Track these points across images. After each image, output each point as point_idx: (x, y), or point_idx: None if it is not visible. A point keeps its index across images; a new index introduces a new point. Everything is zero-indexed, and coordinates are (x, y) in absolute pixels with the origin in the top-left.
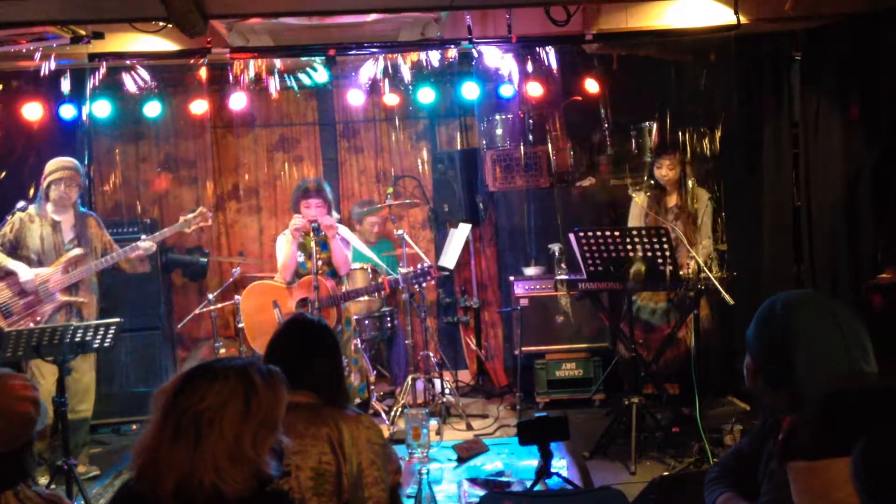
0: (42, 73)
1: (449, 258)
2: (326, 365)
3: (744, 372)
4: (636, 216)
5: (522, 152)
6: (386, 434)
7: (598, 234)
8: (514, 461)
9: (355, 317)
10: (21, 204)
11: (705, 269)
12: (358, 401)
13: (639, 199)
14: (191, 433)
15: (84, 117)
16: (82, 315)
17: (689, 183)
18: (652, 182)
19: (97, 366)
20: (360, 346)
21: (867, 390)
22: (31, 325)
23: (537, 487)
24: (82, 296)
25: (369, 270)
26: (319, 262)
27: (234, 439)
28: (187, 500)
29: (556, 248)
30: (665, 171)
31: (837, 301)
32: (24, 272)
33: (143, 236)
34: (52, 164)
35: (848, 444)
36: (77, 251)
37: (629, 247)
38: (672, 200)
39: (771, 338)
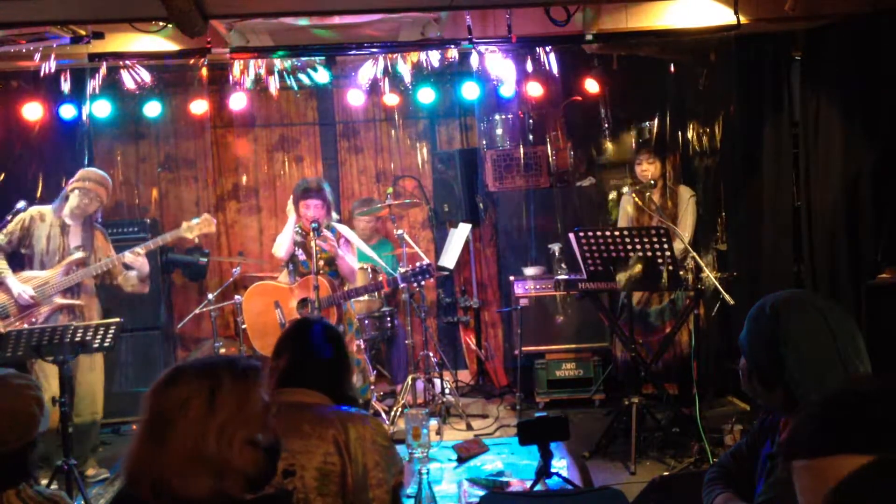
0: (42, 73)
1: (449, 258)
2: (331, 365)
3: (739, 373)
4: (623, 217)
5: (522, 152)
6: None
7: (598, 234)
8: (514, 461)
9: (357, 317)
10: (21, 204)
11: (706, 269)
12: (362, 401)
13: (636, 199)
14: (157, 434)
15: (84, 117)
16: (83, 317)
17: (668, 183)
18: (652, 182)
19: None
20: (362, 346)
21: (868, 389)
22: (26, 325)
23: (537, 487)
24: (82, 299)
25: (369, 270)
26: (321, 263)
27: (195, 439)
28: (166, 501)
29: (556, 248)
30: (645, 165)
31: (827, 300)
32: (15, 287)
33: (139, 248)
34: (83, 172)
35: (849, 441)
36: (80, 254)
37: (629, 247)
38: (656, 201)
39: (762, 338)
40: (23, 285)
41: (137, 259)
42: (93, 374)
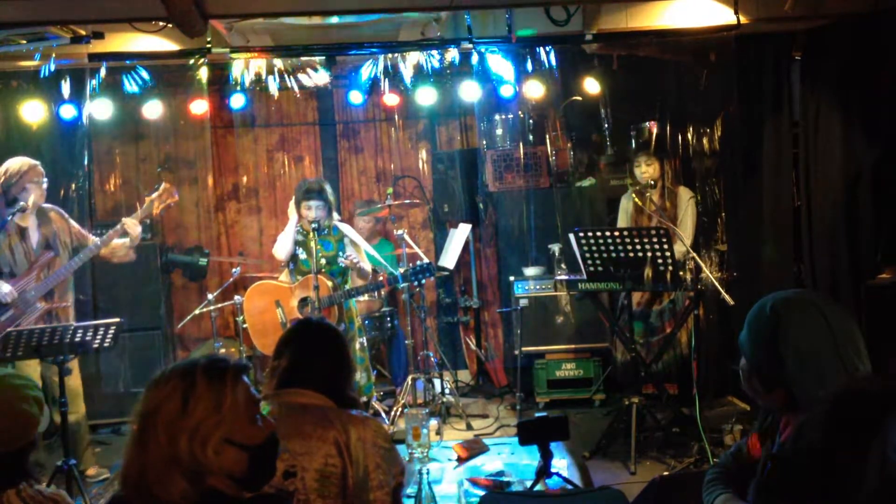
0: (42, 74)
1: (449, 258)
2: (332, 366)
3: (739, 373)
4: (623, 218)
5: (522, 152)
6: None
7: (598, 234)
8: (514, 461)
9: (357, 317)
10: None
11: (706, 269)
12: (364, 399)
13: (636, 199)
14: (140, 436)
15: (84, 117)
16: (60, 320)
17: (667, 184)
18: (652, 183)
19: (91, 367)
20: (365, 345)
21: (878, 389)
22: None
23: (537, 487)
24: (61, 299)
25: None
26: (323, 262)
27: (168, 441)
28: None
29: (556, 248)
30: (643, 167)
31: (827, 299)
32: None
33: (119, 227)
34: (17, 164)
35: (858, 442)
36: (47, 255)
37: (629, 247)
38: (655, 202)
39: (762, 338)
40: (4, 283)
41: (131, 229)
42: (72, 375)
